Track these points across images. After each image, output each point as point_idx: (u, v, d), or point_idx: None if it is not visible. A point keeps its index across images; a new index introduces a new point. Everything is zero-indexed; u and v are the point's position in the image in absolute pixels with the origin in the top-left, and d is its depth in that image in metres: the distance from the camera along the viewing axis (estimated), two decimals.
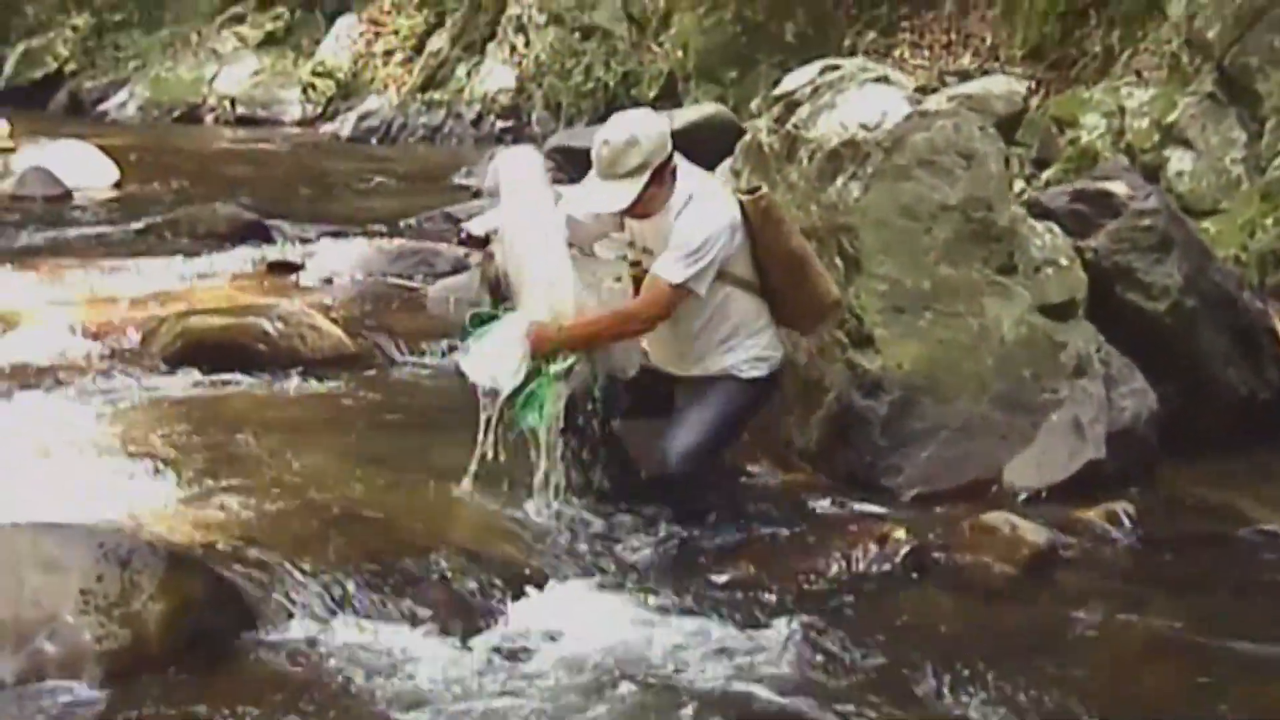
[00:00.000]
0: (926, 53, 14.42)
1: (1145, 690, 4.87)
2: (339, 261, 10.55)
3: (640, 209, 5.74)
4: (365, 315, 9.19)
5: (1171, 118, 9.85)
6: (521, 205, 5.81)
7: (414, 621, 5.04)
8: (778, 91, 7.05)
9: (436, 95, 19.78)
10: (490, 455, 5.77)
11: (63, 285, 9.77)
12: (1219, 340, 6.99)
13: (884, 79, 6.72)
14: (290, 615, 4.97)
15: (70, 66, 23.14)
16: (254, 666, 4.75)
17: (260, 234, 11.76)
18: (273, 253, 11.00)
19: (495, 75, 19.32)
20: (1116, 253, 6.87)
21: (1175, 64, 10.32)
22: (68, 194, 13.78)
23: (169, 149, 17.74)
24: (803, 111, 6.80)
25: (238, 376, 7.75)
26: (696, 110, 13.85)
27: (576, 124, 17.18)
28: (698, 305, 5.77)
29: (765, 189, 5.98)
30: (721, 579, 5.53)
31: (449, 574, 5.32)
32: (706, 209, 5.70)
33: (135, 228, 12.14)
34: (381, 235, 11.53)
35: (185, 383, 7.68)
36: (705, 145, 7.70)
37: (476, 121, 19.05)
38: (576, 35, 18.24)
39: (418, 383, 8.01)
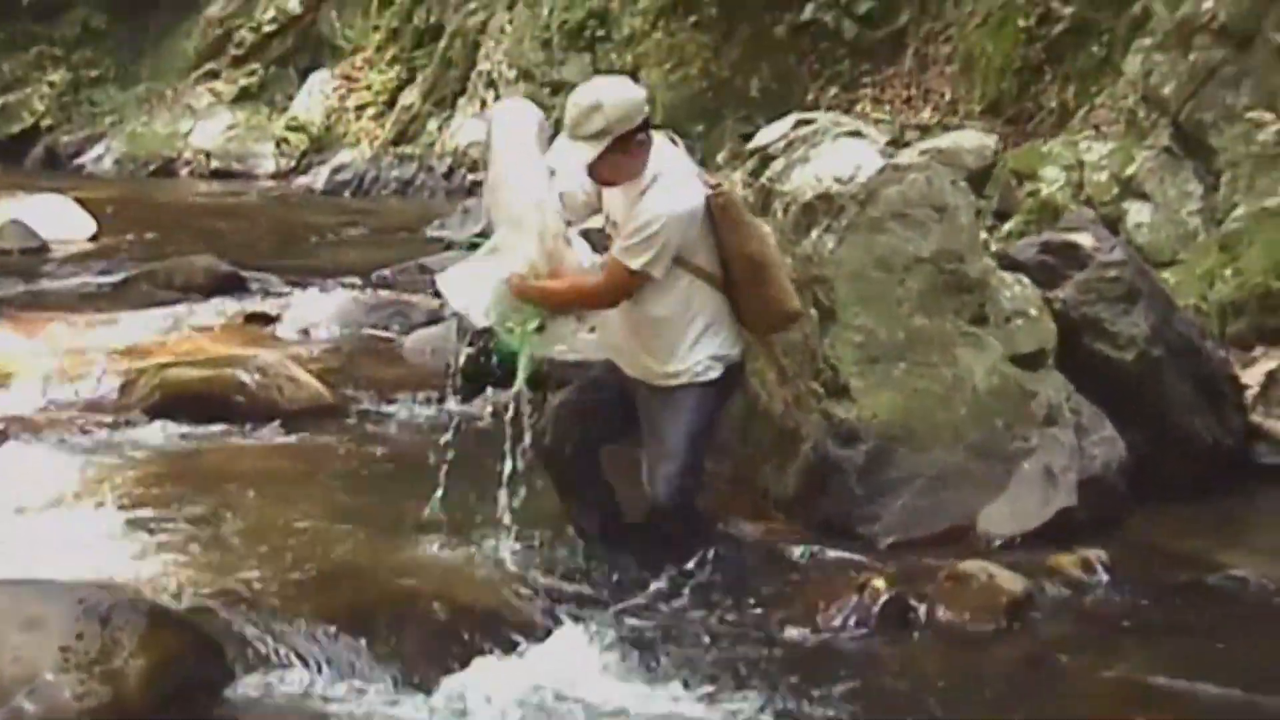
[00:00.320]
0: (888, 107, 14.38)
1: None
2: (315, 313, 10.41)
3: (606, 175, 5.54)
4: (342, 366, 9.09)
5: (1130, 171, 9.80)
6: (511, 156, 5.61)
7: (393, 674, 4.92)
8: (752, 145, 7.01)
9: (408, 149, 19.68)
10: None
11: (41, 337, 9.60)
12: (1184, 389, 6.94)
13: (857, 133, 6.66)
14: (271, 670, 4.85)
15: (47, 121, 22.97)
16: None
17: (237, 286, 11.61)
18: (249, 304, 10.85)
19: (466, 129, 19.19)
20: (1084, 303, 6.83)
21: (1132, 119, 10.28)
22: (45, 247, 13.58)
23: (145, 202, 17.56)
24: (777, 165, 6.75)
25: (217, 428, 7.65)
26: None
27: None
28: (660, 290, 5.53)
29: (727, 185, 5.74)
30: (699, 629, 5.40)
31: (428, 626, 5.22)
32: (667, 192, 5.46)
33: (113, 280, 11.97)
34: (357, 287, 11.40)
35: (164, 434, 7.57)
36: None
37: (448, 175, 18.94)
38: (546, 90, 18.15)
39: (395, 434, 7.90)
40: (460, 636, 5.15)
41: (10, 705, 4.35)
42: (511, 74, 18.84)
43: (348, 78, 21.40)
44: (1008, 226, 10.07)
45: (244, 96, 21.96)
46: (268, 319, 10.37)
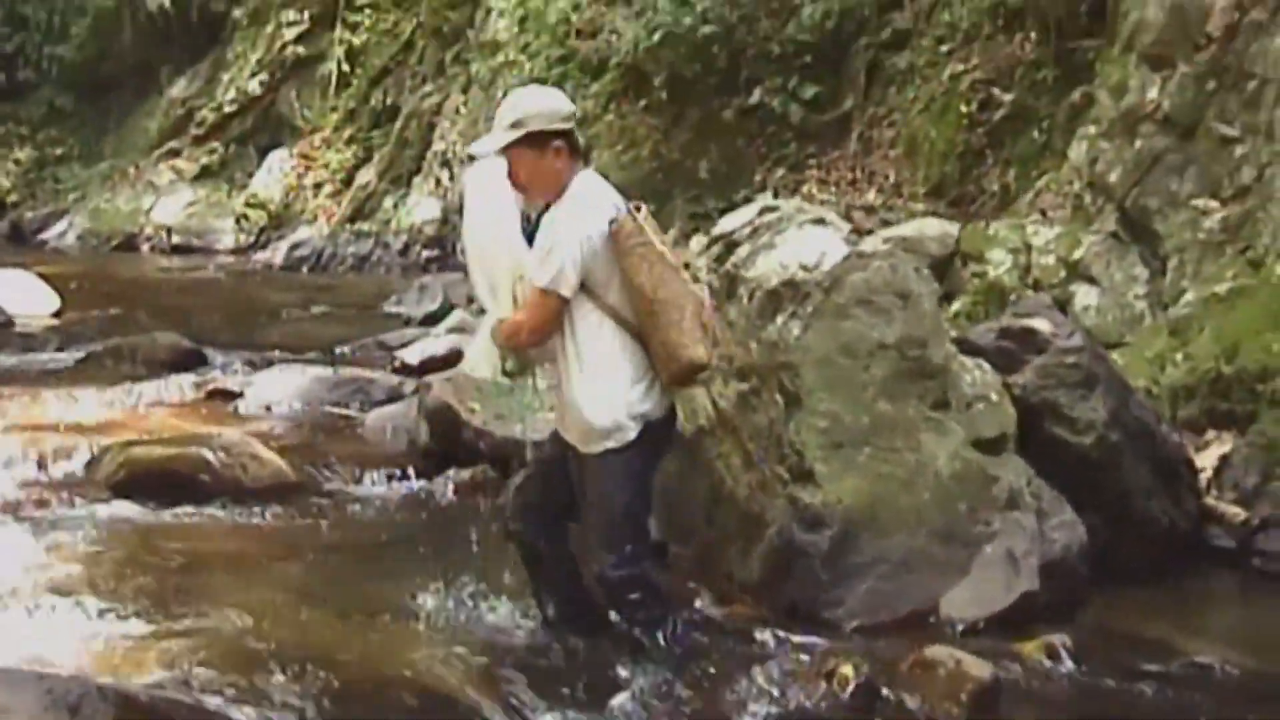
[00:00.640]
0: (833, 189, 14.30)
1: None
2: (277, 390, 10.18)
3: (520, 174, 5.37)
4: (305, 444, 8.90)
5: (1077, 255, 9.74)
6: (484, 211, 5.49)
7: None
8: (716, 231, 6.86)
9: (365, 226, 19.57)
10: None
11: (4, 413, 9.35)
12: (1141, 472, 6.83)
13: (821, 221, 6.54)
14: None
15: (12, 197, 22.87)
16: None
17: (199, 362, 11.40)
18: (211, 380, 10.61)
19: (421, 207, 19.12)
20: (1043, 388, 6.73)
21: (1079, 204, 10.24)
22: (10, 322, 13.35)
23: (108, 277, 17.36)
24: (742, 251, 6.63)
25: (181, 507, 7.45)
26: None
27: None
28: (582, 330, 5.28)
29: (631, 209, 5.34)
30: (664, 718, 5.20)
31: (397, 712, 5.05)
32: (571, 211, 5.29)
33: (77, 356, 11.70)
34: (316, 363, 11.17)
35: (130, 513, 7.39)
36: None
37: (404, 251, 18.82)
38: None
39: (359, 512, 7.72)
40: None
41: None
42: (466, 154, 18.71)
43: (306, 156, 21.32)
44: (955, 307, 9.97)
45: (205, 174, 21.89)
46: (230, 395, 10.15)
